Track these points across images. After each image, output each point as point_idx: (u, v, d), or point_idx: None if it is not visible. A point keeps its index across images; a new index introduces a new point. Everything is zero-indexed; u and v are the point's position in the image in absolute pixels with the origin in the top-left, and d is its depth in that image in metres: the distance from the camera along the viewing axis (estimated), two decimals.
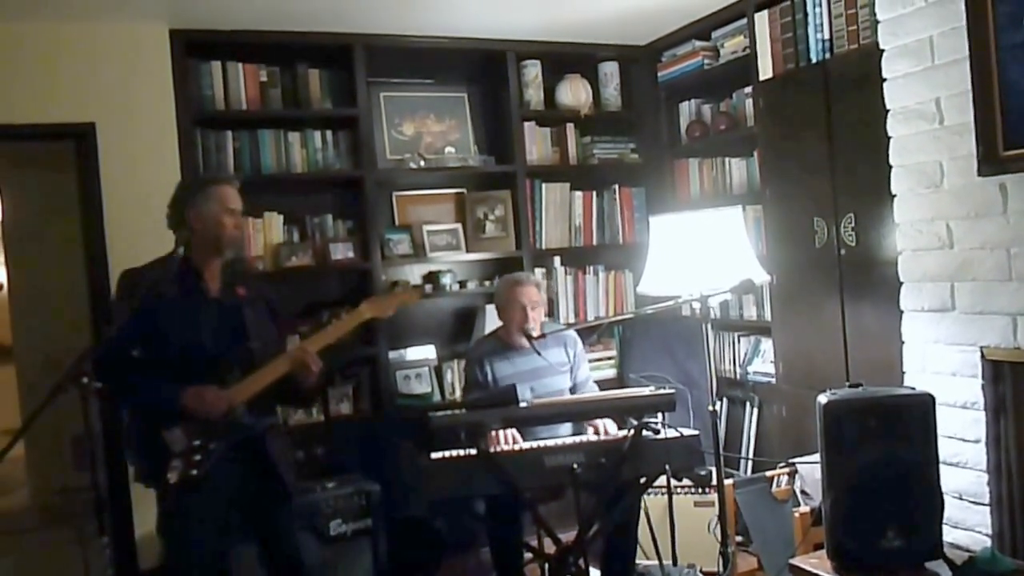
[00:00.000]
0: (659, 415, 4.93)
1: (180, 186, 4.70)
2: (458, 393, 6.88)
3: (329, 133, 6.90)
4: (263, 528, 4.71)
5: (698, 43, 7.23)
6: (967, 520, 4.75)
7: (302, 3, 5.98)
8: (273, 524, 4.72)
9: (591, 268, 7.77)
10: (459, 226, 7.36)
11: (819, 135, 5.79)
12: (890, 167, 5.06)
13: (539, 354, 5.76)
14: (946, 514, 4.38)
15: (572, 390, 5.98)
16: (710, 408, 5.15)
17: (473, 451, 4.75)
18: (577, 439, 5.27)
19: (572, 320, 7.55)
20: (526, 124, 7.52)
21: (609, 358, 7.77)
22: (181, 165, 6.12)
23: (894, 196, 5.05)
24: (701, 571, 5.77)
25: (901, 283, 5.06)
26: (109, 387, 4.32)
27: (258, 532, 4.72)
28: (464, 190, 7.54)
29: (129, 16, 5.91)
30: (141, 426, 4.36)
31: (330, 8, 6.15)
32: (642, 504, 5.56)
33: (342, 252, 6.77)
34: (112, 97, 5.98)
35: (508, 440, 5.36)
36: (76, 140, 6.02)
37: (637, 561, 5.64)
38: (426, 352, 7.13)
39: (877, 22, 5.08)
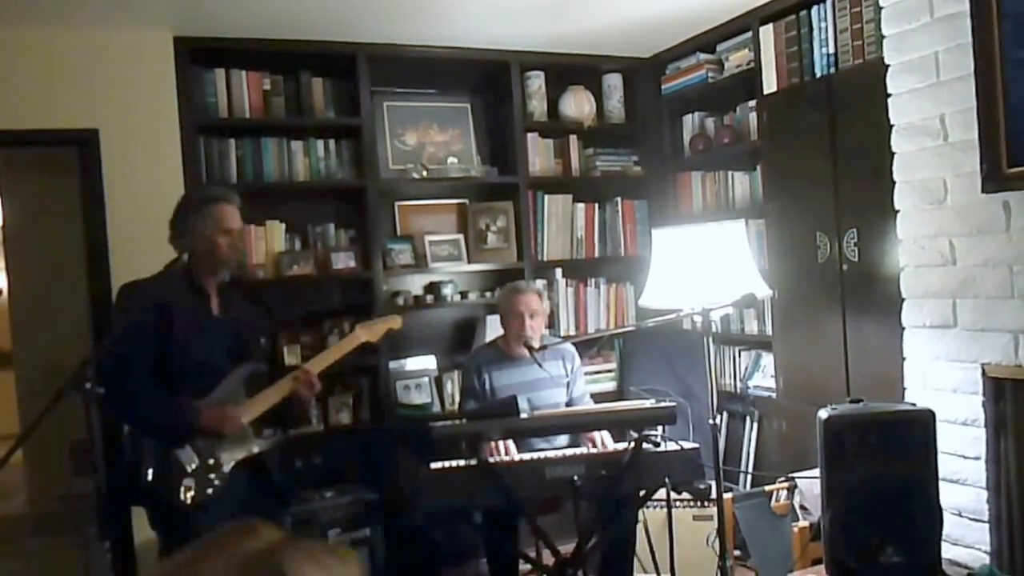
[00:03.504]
0: (659, 428, 4.92)
1: (179, 202, 4.66)
2: (457, 402, 6.86)
3: (332, 142, 6.89)
4: None
5: (702, 56, 7.22)
6: (966, 537, 4.74)
7: (306, 12, 5.98)
8: None
9: (592, 280, 7.77)
10: (461, 237, 7.35)
11: (822, 150, 5.79)
12: (893, 183, 5.05)
13: (539, 365, 5.74)
14: (945, 531, 4.37)
15: (568, 404, 5.97)
16: (710, 422, 5.13)
17: (473, 462, 4.74)
18: (577, 451, 5.26)
19: (573, 332, 7.53)
20: (529, 135, 7.52)
21: (609, 371, 7.74)
22: (184, 172, 6.12)
23: (897, 212, 5.05)
24: None
25: (903, 299, 5.06)
26: (116, 402, 4.23)
27: None
28: (466, 201, 7.55)
29: (133, 23, 5.92)
30: (147, 443, 4.29)
31: (334, 17, 6.15)
32: (641, 517, 5.56)
33: (344, 261, 6.76)
34: (115, 104, 5.97)
35: (503, 451, 5.36)
36: (79, 146, 6.00)
37: (635, 574, 5.63)
38: (426, 362, 7.11)
39: (882, 37, 5.09)
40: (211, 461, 4.32)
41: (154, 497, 4.31)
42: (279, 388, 4.60)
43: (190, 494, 4.22)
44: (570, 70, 7.68)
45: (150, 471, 4.25)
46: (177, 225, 4.55)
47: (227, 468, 4.38)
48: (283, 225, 6.73)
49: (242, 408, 4.45)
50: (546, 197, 7.55)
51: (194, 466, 4.26)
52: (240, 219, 4.67)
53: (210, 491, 4.29)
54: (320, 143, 6.84)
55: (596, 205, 7.82)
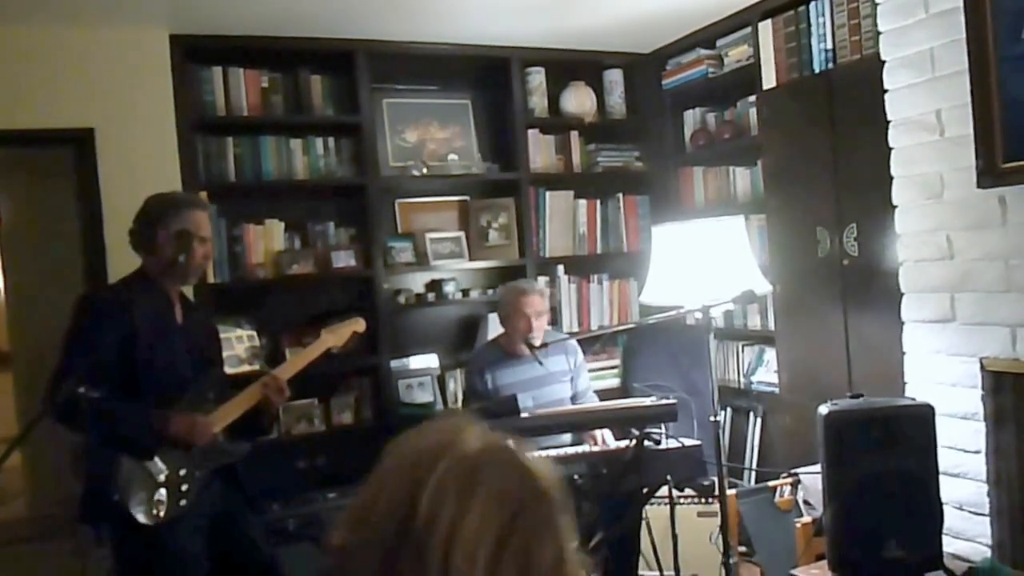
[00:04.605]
0: (661, 425, 4.91)
1: (153, 204, 4.52)
2: (460, 402, 6.85)
3: (331, 140, 6.87)
4: (232, 544, 4.58)
5: (702, 51, 7.21)
6: (967, 531, 4.74)
7: (304, 9, 5.98)
8: (243, 536, 4.62)
9: (595, 277, 7.76)
10: (462, 234, 7.35)
11: (822, 145, 5.78)
12: (892, 177, 5.05)
13: (540, 363, 5.74)
14: (946, 524, 4.35)
15: (573, 399, 5.97)
16: (712, 418, 5.13)
17: None
18: (578, 449, 5.25)
19: (575, 329, 7.52)
20: (530, 131, 7.51)
21: (613, 367, 7.74)
22: (181, 171, 6.11)
23: (896, 207, 5.05)
24: None
25: (902, 294, 5.05)
26: (78, 415, 3.94)
27: (225, 548, 4.55)
28: (467, 198, 7.54)
29: (129, 21, 5.91)
30: (117, 457, 4.13)
31: (333, 14, 6.15)
32: (644, 515, 5.56)
33: (344, 260, 6.74)
34: (111, 102, 5.96)
35: None
36: (75, 146, 6.00)
37: (639, 572, 5.62)
38: (429, 361, 7.10)
39: (879, 33, 5.08)
40: (182, 472, 4.23)
41: (124, 514, 4.10)
42: (249, 395, 4.53)
43: (162, 507, 4.12)
44: (571, 66, 7.67)
45: (118, 485, 4.09)
46: (145, 228, 4.45)
47: (198, 478, 4.30)
48: (282, 224, 6.71)
49: (212, 416, 4.37)
50: (547, 193, 7.56)
51: (163, 477, 4.16)
52: (210, 227, 4.63)
53: (182, 503, 4.21)
54: (319, 141, 6.82)
55: (598, 201, 7.82)
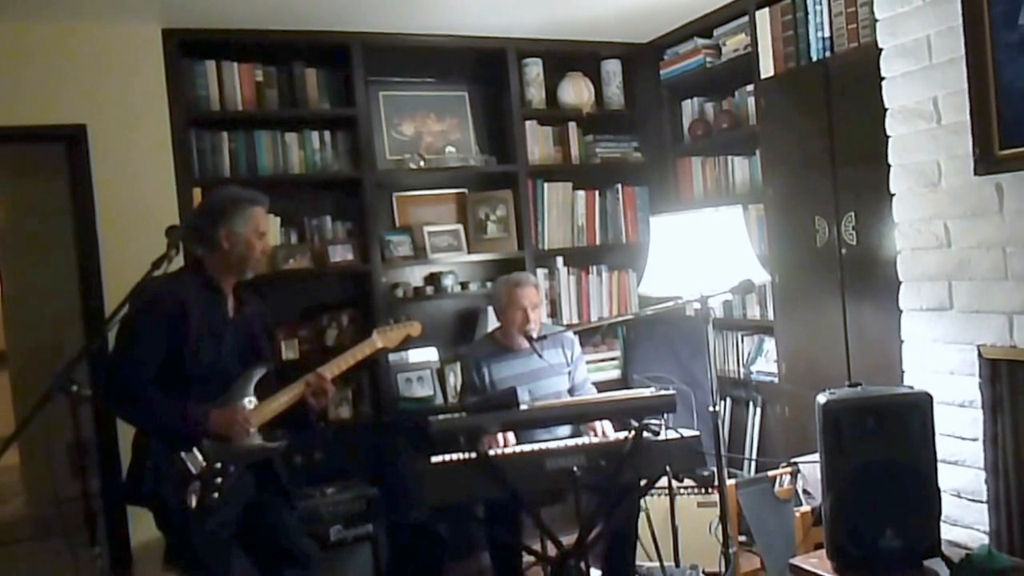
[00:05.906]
0: (661, 416, 4.89)
1: (215, 201, 4.61)
2: (458, 396, 6.83)
3: (327, 133, 6.85)
4: (265, 532, 4.65)
5: (700, 41, 7.19)
6: (965, 518, 4.74)
7: (298, 1, 5.95)
8: (275, 525, 4.67)
9: (594, 268, 7.74)
10: (460, 227, 7.32)
11: (820, 133, 5.77)
12: (889, 166, 5.03)
13: (540, 356, 5.73)
14: (944, 512, 4.38)
15: (570, 391, 5.97)
16: (711, 409, 5.12)
17: (472, 455, 4.72)
18: (577, 441, 5.24)
19: (575, 321, 7.52)
20: (528, 123, 7.50)
21: (613, 359, 7.72)
22: (175, 167, 6.09)
23: (893, 195, 5.03)
24: (703, 572, 5.77)
25: (900, 282, 5.03)
26: (124, 404, 4.32)
27: (258, 536, 4.65)
28: (465, 190, 7.51)
29: (120, 15, 5.87)
30: (158, 446, 4.25)
31: (327, 6, 6.12)
32: (644, 505, 5.55)
33: (341, 254, 6.72)
34: (103, 98, 5.94)
35: (503, 443, 5.34)
36: (67, 142, 5.97)
37: (639, 562, 5.63)
38: (428, 354, 7.06)
39: (876, 21, 5.06)
40: (218, 464, 4.30)
41: (159, 500, 4.27)
42: (290, 393, 4.60)
43: (194, 497, 4.20)
44: (568, 56, 7.65)
45: (154, 473, 4.22)
46: (206, 225, 4.49)
47: (232, 472, 4.35)
48: (278, 219, 6.68)
49: (251, 412, 4.44)
50: (546, 185, 7.53)
51: (200, 469, 4.24)
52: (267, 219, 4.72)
53: (216, 494, 4.27)
54: (315, 135, 6.80)
55: (596, 192, 7.80)
